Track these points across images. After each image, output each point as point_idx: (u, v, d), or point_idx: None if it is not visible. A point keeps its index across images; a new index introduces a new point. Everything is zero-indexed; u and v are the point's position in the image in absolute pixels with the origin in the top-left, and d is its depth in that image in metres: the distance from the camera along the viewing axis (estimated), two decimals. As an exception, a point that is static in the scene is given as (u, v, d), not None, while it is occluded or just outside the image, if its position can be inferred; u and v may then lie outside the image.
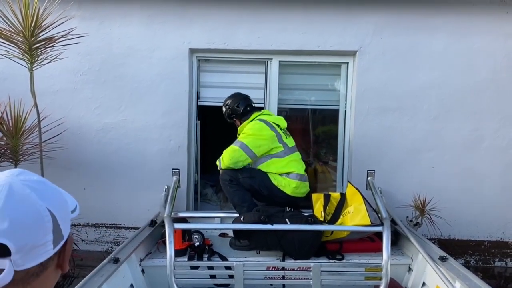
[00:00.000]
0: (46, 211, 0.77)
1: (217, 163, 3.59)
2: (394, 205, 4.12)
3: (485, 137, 4.34)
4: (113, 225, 4.42)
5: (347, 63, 4.49)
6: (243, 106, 3.78)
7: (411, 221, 4.08)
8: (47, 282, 0.80)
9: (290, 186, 3.51)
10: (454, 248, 4.34)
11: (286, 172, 3.54)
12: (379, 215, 3.18)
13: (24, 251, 0.73)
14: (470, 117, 4.33)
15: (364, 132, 4.37)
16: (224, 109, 3.86)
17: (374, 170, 3.88)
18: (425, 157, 4.37)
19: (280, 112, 4.50)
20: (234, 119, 3.84)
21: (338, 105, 4.57)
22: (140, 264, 3.02)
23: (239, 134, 3.70)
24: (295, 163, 3.59)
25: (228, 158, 3.45)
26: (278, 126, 3.64)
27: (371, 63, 4.34)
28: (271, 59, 4.47)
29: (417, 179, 4.35)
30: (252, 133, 3.50)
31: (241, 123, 3.76)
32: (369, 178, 3.85)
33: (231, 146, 3.50)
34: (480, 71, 4.30)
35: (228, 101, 3.83)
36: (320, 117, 4.75)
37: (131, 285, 2.81)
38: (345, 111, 4.52)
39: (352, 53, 4.40)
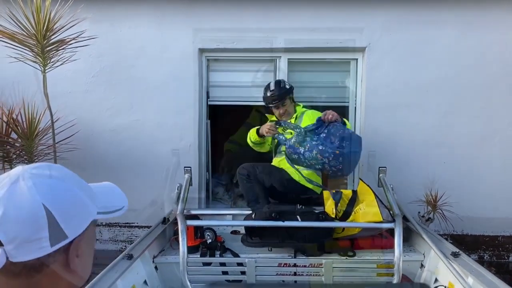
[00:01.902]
0: (40, 207, 0.76)
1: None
2: (406, 200, 4.07)
3: (497, 131, 4.30)
4: (126, 224, 4.47)
5: (356, 59, 4.47)
6: None
7: (423, 216, 4.06)
8: (55, 280, 0.80)
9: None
10: (467, 244, 4.31)
11: None
12: (391, 212, 3.18)
13: (15, 243, 0.73)
14: (481, 111, 4.29)
15: (374, 128, 4.35)
16: (287, 87, 3.82)
17: (385, 167, 3.87)
18: (436, 152, 4.34)
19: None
20: (289, 99, 3.82)
21: (348, 102, 4.55)
22: (153, 261, 3.05)
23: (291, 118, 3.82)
24: None
25: None
26: None
27: (380, 59, 4.31)
28: (280, 57, 4.46)
29: (429, 174, 4.30)
30: None
31: (294, 107, 3.87)
32: (380, 175, 3.84)
33: None
34: (491, 65, 4.25)
35: (286, 83, 3.86)
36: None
37: (145, 281, 2.83)
38: (355, 107, 4.51)
39: (361, 50, 4.38)
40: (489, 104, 4.28)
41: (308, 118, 3.72)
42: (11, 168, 3.68)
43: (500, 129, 4.30)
